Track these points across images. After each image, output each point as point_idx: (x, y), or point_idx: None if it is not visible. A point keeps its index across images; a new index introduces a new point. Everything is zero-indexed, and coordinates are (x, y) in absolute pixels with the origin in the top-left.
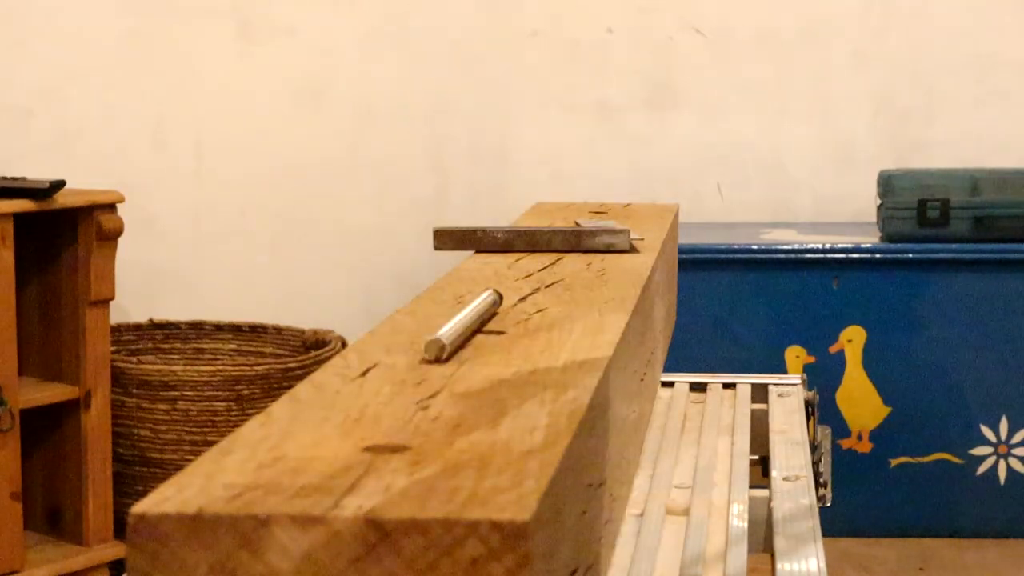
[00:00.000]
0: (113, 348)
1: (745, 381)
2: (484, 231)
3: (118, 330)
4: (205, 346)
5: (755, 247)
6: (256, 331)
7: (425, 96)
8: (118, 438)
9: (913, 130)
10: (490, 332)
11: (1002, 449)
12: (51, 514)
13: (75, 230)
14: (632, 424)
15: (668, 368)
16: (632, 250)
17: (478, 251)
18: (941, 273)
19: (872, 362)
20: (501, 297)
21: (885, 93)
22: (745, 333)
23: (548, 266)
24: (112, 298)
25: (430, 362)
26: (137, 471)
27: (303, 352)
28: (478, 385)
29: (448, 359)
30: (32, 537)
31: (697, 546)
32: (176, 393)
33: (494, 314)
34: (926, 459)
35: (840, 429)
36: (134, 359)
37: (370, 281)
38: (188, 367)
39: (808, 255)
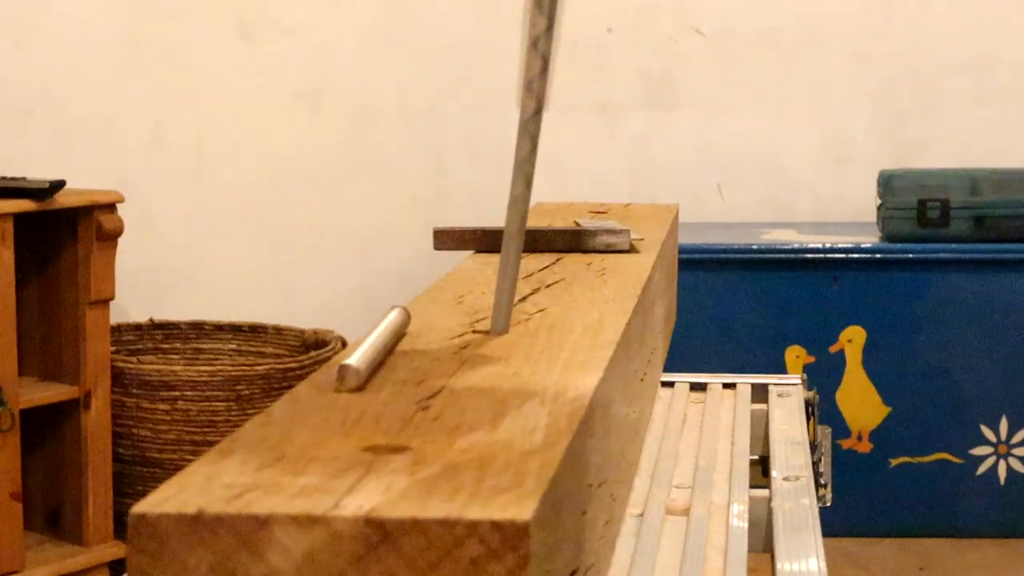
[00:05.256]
0: (113, 348)
1: (745, 381)
2: (484, 231)
3: (118, 330)
4: (205, 346)
5: (755, 247)
6: (256, 331)
7: (425, 96)
8: (118, 438)
9: (913, 130)
10: (490, 332)
11: (1002, 449)
12: (51, 514)
13: (75, 230)
14: (632, 424)
15: (668, 368)
16: (632, 250)
17: (478, 251)
18: (941, 273)
19: (872, 362)
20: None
21: (885, 93)
22: (745, 333)
23: (548, 266)
24: (112, 298)
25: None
26: (137, 471)
27: (303, 352)
28: (478, 385)
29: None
30: (32, 537)
31: (697, 546)
32: (176, 393)
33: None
34: (926, 459)
35: (840, 429)
36: (134, 359)
37: (370, 281)
38: (188, 367)
39: (808, 255)
